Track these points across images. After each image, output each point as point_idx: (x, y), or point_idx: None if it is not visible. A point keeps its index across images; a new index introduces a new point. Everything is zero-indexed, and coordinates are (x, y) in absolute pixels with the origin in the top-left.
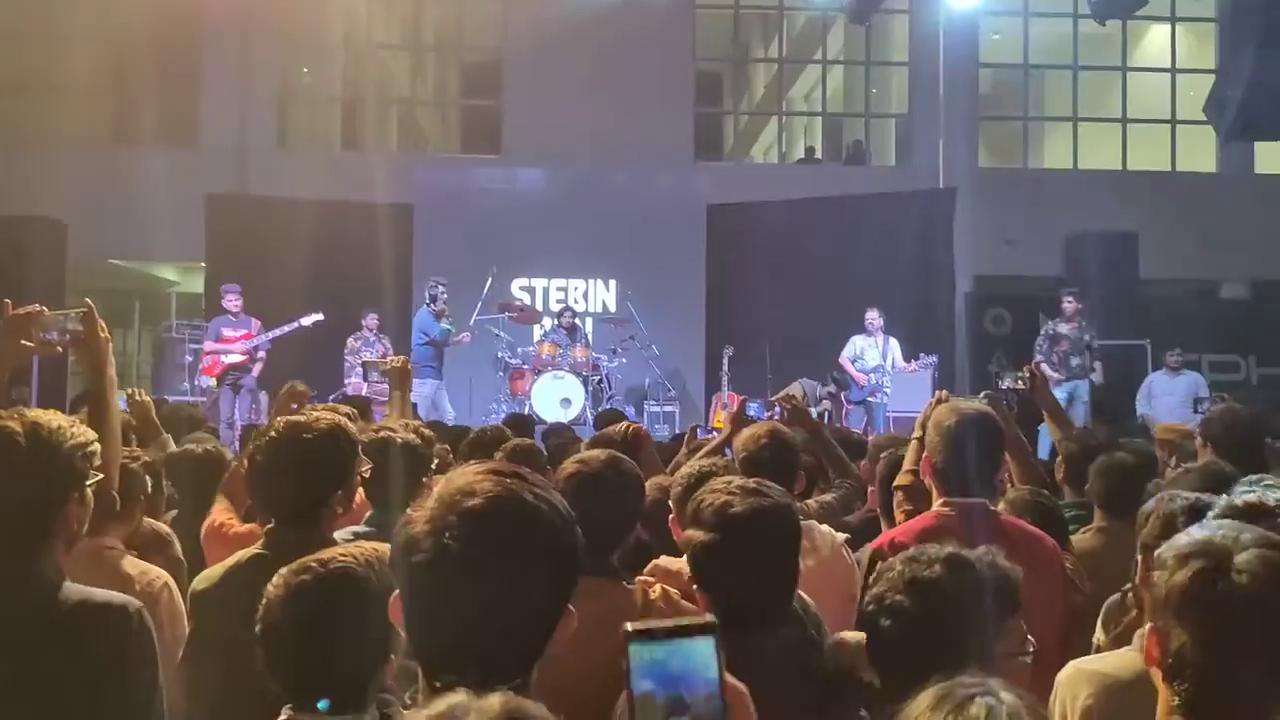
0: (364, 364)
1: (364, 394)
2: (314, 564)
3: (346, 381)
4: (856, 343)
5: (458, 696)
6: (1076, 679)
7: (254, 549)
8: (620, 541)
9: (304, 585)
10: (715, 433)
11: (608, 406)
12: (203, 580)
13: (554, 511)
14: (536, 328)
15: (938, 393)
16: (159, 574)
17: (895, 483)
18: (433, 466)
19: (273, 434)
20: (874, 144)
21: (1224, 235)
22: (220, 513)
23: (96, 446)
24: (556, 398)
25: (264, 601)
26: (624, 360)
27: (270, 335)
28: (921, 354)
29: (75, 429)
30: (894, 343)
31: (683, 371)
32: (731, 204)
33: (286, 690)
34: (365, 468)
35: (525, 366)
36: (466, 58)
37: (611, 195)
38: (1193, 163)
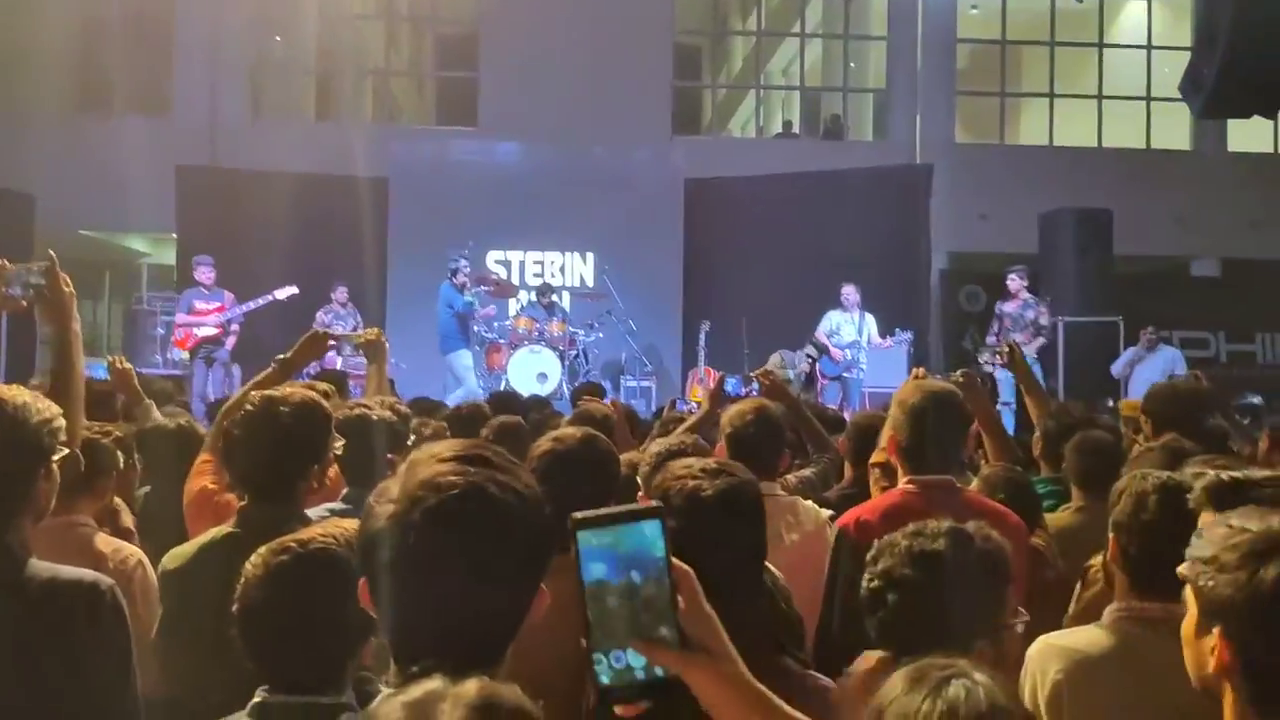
0: (336, 336)
1: (339, 368)
2: (293, 544)
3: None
4: (833, 318)
5: (434, 683)
6: (1046, 654)
7: (226, 527)
8: None
9: (283, 566)
10: (694, 406)
11: (585, 380)
12: (173, 559)
13: (521, 499)
14: (513, 301)
15: (915, 370)
16: (132, 551)
17: (872, 460)
18: (409, 443)
19: (248, 407)
20: (852, 118)
21: (1196, 213)
22: (206, 475)
23: (62, 422)
24: (533, 372)
25: (242, 581)
26: (601, 335)
27: (244, 308)
28: (897, 330)
29: (40, 404)
30: (870, 318)
31: (659, 346)
32: (709, 178)
33: (263, 671)
34: (339, 444)
35: (501, 341)
36: (442, 29)
37: (589, 169)
38: (1167, 140)
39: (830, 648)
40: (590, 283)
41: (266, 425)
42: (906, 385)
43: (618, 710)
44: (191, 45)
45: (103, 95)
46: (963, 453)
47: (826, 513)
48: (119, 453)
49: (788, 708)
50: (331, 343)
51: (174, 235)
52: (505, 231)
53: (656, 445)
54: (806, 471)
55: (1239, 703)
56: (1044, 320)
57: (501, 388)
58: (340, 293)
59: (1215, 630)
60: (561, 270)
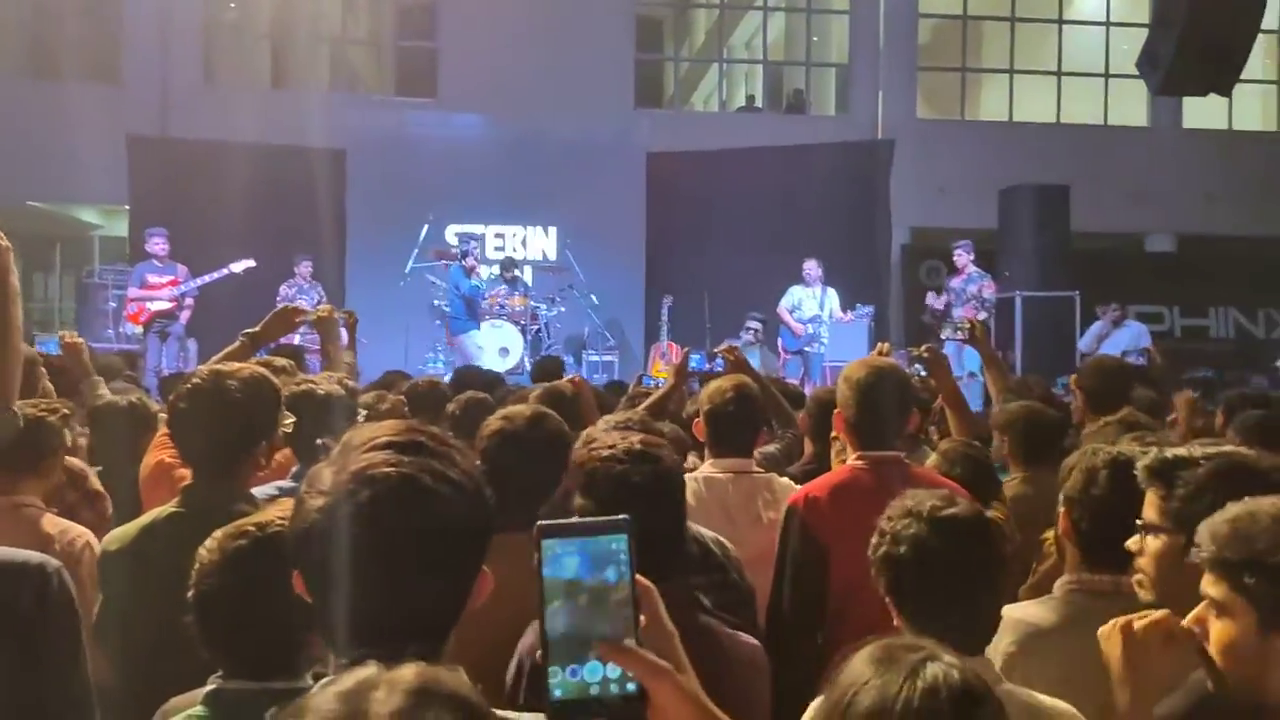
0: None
1: (296, 344)
2: (251, 527)
3: None
4: (795, 293)
5: (367, 670)
6: (1000, 627)
7: (169, 507)
8: (546, 495)
9: (241, 550)
10: (658, 382)
11: (546, 354)
12: (114, 540)
13: (456, 487)
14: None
15: (880, 344)
16: (81, 532)
17: (834, 433)
18: (359, 419)
19: (195, 381)
20: (814, 93)
21: (1152, 188)
22: (165, 448)
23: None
24: (495, 347)
25: (197, 566)
26: (563, 309)
27: (198, 282)
28: (858, 305)
29: None
30: (832, 293)
31: (622, 320)
32: (672, 152)
33: (218, 657)
34: (288, 422)
35: None
36: None
37: (550, 141)
38: (1124, 116)
39: (780, 622)
40: (552, 257)
41: (213, 399)
42: (853, 363)
43: None
44: (141, 10)
45: (50, 62)
46: (906, 427)
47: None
48: (66, 431)
49: None
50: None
51: (126, 207)
52: (466, 205)
53: (603, 423)
54: (770, 447)
55: None
56: (988, 294)
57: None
58: (304, 267)
59: None
60: (523, 244)
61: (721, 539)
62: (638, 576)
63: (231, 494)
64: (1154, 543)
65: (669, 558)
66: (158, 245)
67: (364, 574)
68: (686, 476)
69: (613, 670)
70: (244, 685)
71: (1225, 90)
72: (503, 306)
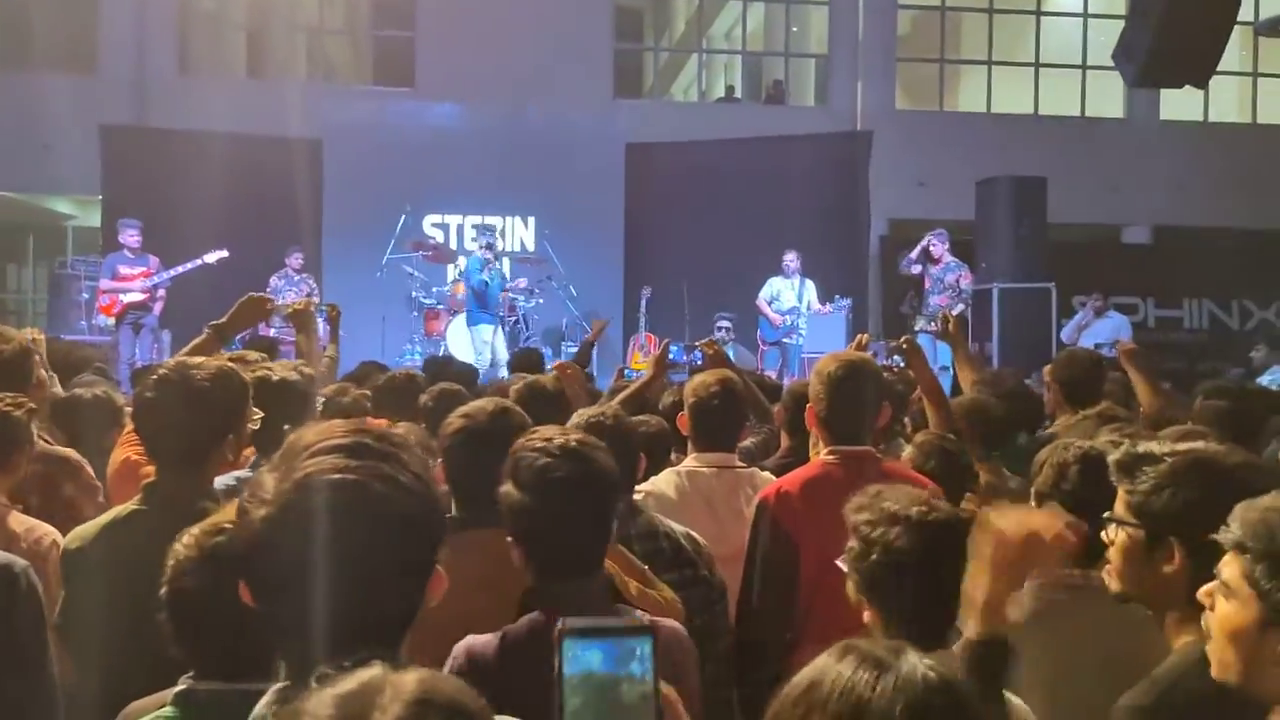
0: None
1: (271, 334)
2: (227, 524)
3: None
4: (774, 284)
5: (370, 672)
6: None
7: (131, 504)
8: None
9: (219, 547)
10: (640, 375)
11: (524, 346)
12: (76, 538)
13: (405, 490)
14: (451, 267)
15: (858, 337)
16: (47, 531)
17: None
18: (318, 409)
19: (162, 372)
20: (793, 84)
21: (1128, 180)
22: (132, 444)
23: None
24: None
25: (172, 564)
26: (541, 300)
27: (171, 273)
28: (836, 296)
29: None
30: (810, 284)
31: (600, 312)
32: (651, 143)
33: (192, 657)
34: (257, 417)
35: (440, 306)
36: None
37: (529, 132)
38: (1101, 108)
39: (750, 618)
40: (530, 247)
41: (180, 392)
42: (825, 356)
43: None
44: None
45: (23, 50)
46: (877, 422)
47: None
48: (32, 425)
49: None
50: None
51: (100, 197)
52: (443, 195)
53: (576, 417)
54: (746, 442)
55: None
56: (964, 283)
57: (440, 354)
58: (294, 259)
59: None
60: (501, 234)
61: (693, 534)
62: (662, 684)
63: (196, 489)
64: (1119, 535)
65: (590, 554)
66: (130, 236)
67: (314, 583)
68: (669, 470)
69: None
70: (219, 687)
71: (1201, 83)
72: None
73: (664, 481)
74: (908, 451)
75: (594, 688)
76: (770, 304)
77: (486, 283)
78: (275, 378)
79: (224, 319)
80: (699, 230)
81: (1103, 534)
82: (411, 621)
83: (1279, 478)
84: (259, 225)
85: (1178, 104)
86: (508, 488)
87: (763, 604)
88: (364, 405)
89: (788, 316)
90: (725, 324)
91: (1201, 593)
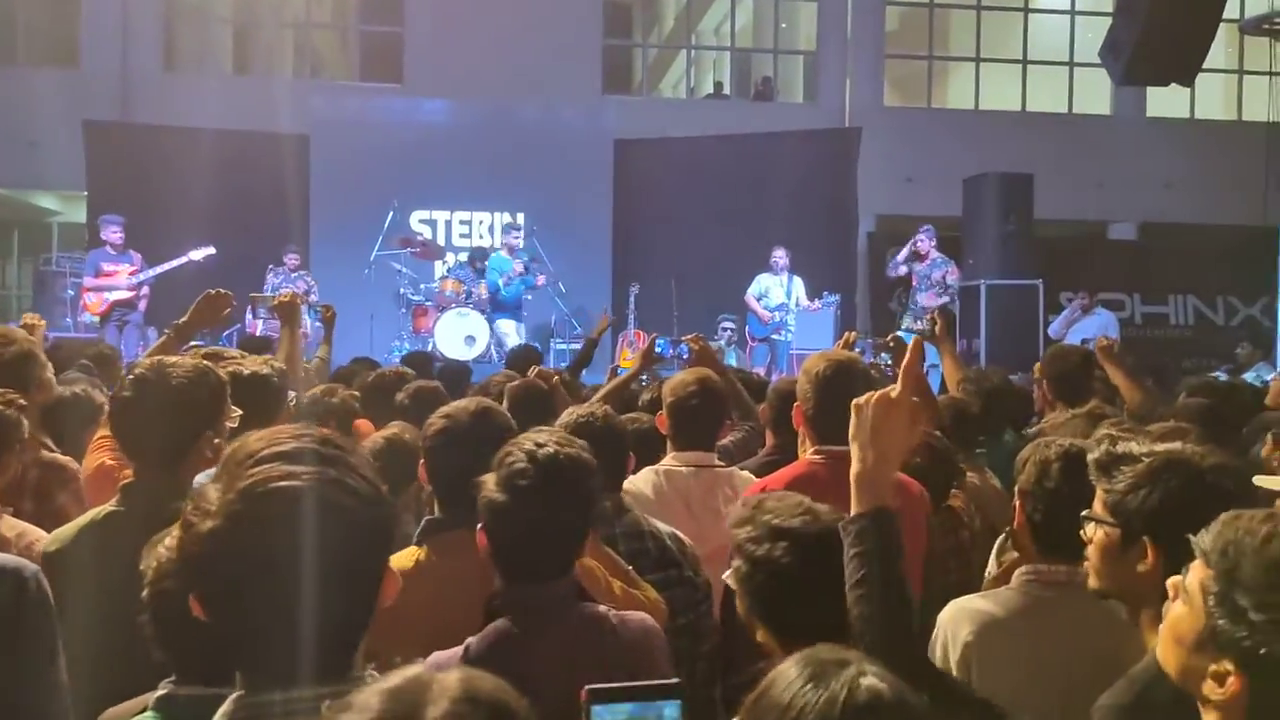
0: (251, 298)
1: (258, 333)
2: None
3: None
4: (762, 281)
5: (414, 670)
6: (958, 617)
7: (108, 505)
8: None
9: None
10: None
11: (523, 344)
12: (54, 541)
13: (354, 495)
14: (439, 263)
15: (847, 334)
16: (39, 535)
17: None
18: (290, 404)
19: (138, 371)
20: (782, 80)
21: (1115, 177)
22: (105, 450)
23: None
24: (460, 335)
25: (155, 566)
26: (529, 297)
27: (156, 270)
28: (825, 293)
29: None
30: (798, 281)
31: (589, 308)
32: (640, 139)
33: (176, 661)
34: (235, 415)
35: (428, 303)
36: None
37: (517, 127)
38: (1088, 105)
39: (734, 619)
40: (519, 244)
41: (158, 389)
42: (813, 355)
43: None
44: None
45: (8, 45)
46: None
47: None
48: (25, 423)
49: None
50: (242, 304)
51: (85, 193)
52: (431, 191)
53: (566, 416)
54: (724, 440)
55: None
56: (951, 279)
57: (429, 349)
58: (291, 258)
59: (1228, 665)
60: (490, 231)
61: (678, 534)
62: None
63: (174, 489)
64: (1096, 533)
65: (557, 561)
66: (113, 233)
67: (264, 594)
68: (646, 469)
69: None
70: (200, 692)
71: (1187, 80)
72: (469, 294)
73: (641, 481)
74: None
75: None
76: (759, 300)
77: (495, 283)
78: (246, 372)
79: (184, 318)
80: (688, 226)
81: (1081, 532)
82: (367, 625)
83: (1248, 481)
84: (245, 222)
85: (1164, 101)
86: (487, 486)
87: (743, 602)
88: (352, 406)
89: (776, 313)
90: (729, 326)
91: (1170, 581)
